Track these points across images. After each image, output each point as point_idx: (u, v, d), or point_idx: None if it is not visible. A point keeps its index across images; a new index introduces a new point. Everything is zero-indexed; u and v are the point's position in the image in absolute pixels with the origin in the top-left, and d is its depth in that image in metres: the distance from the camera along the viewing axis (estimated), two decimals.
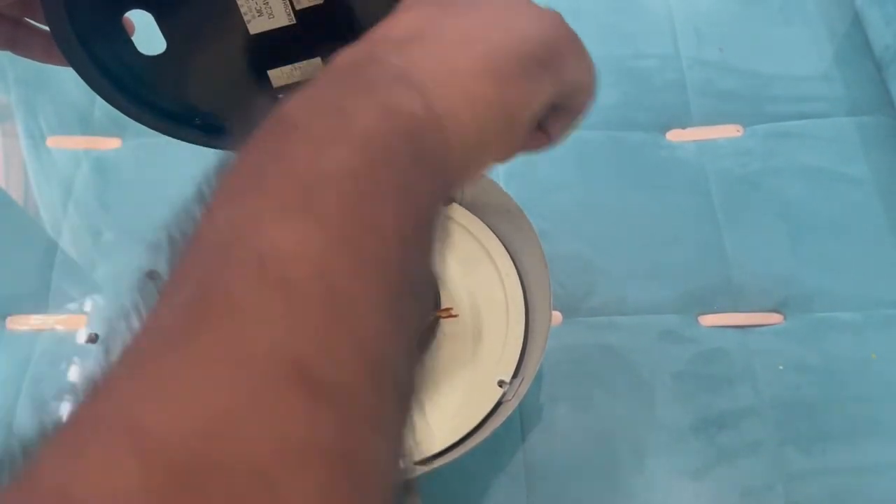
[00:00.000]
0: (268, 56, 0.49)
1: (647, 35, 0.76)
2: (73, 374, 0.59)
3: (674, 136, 0.70)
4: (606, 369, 0.58)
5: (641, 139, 0.70)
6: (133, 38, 0.46)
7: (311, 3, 0.47)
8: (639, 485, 0.53)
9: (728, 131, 0.70)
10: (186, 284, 0.20)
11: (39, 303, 0.62)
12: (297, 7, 0.47)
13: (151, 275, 0.67)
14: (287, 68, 0.50)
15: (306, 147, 0.22)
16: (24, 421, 0.57)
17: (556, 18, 0.30)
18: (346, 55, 0.28)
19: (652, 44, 0.76)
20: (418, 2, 0.29)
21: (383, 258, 0.20)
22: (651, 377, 0.58)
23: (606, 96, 0.72)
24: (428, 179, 0.23)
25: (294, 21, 0.47)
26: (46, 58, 0.45)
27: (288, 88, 0.51)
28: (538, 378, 0.57)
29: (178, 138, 0.52)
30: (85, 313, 0.62)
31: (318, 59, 0.50)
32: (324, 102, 0.24)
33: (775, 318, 0.61)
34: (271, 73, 0.50)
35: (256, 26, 0.47)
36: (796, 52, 0.75)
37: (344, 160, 0.21)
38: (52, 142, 0.70)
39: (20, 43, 0.45)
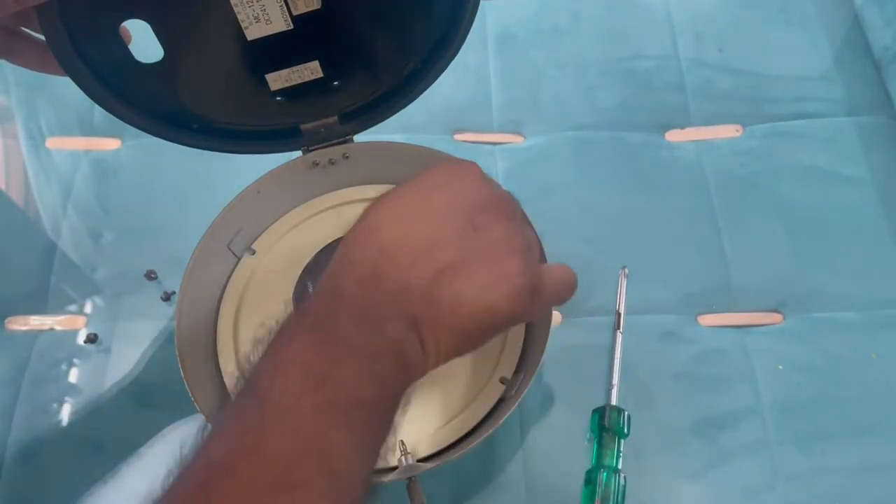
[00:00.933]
0: (265, 60, 0.49)
1: (647, 36, 0.76)
2: (73, 375, 0.59)
3: (673, 136, 0.70)
4: (606, 370, 0.58)
5: (641, 140, 0.70)
6: (130, 47, 0.46)
7: (309, 9, 0.47)
8: (638, 485, 0.53)
9: (727, 132, 0.70)
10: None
11: (38, 304, 0.62)
12: (295, 12, 0.47)
13: (150, 275, 0.67)
14: (285, 72, 0.50)
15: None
16: (23, 421, 0.57)
17: (526, 295, 0.37)
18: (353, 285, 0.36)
19: (651, 45, 0.76)
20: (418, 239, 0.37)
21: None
22: (650, 378, 0.58)
23: (606, 97, 0.73)
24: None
25: (291, 26, 0.47)
26: (41, 67, 0.45)
27: (285, 91, 0.52)
28: (538, 378, 0.57)
29: (177, 142, 0.52)
30: (84, 314, 0.62)
31: (315, 62, 0.50)
32: (343, 336, 0.34)
33: (774, 318, 0.61)
34: (269, 76, 0.50)
35: (254, 32, 0.47)
36: (795, 52, 0.75)
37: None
38: (52, 143, 0.70)
39: (16, 52, 0.45)
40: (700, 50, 0.75)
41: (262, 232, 0.59)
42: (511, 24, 0.77)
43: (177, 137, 0.51)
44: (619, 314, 0.59)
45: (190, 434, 0.55)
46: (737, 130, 0.70)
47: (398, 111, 0.56)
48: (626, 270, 0.61)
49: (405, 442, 0.49)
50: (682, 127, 0.70)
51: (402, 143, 0.58)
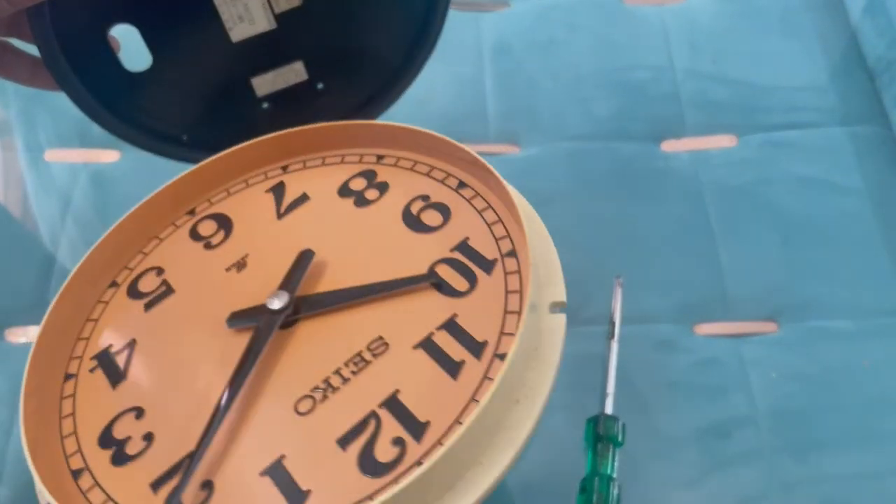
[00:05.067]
0: (250, 64, 0.50)
1: (642, 47, 0.77)
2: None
3: (668, 146, 0.71)
4: (601, 379, 0.58)
5: (636, 149, 0.70)
6: (120, 58, 0.46)
7: (290, 6, 0.47)
8: (633, 494, 0.53)
9: (722, 141, 0.71)
10: None
11: (37, 316, 0.62)
12: (277, 11, 0.47)
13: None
14: (269, 75, 0.51)
15: None
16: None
17: None
18: None
19: (647, 56, 0.76)
20: None
21: None
22: (646, 386, 0.58)
23: (601, 108, 0.73)
24: None
25: (274, 25, 0.48)
26: (31, 82, 0.46)
27: (272, 98, 0.52)
28: None
29: (168, 157, 0.52)
30: None
31: (299, 63, 0.51)
32: None
33: (769, 326, 0.61)
34: (254, 81, 0.51)
35: (238, 34, 0.48)
36: (790, 63, 0.75)
37: None
38: (51, 155, 0.71)
39: (6, 66, 0.45)
40: (695, 61, 0.75)
41: None
42: (507, 36, 0.78)
43: (167, 151, 0.52)
44: (613, 323, 0.59)
45: None
46: (731, 140, 0.71)
47: (381, 114, 0.56)
48: (621, 280, 0.61)
49: None
50: (678, 137, 0.71)
51: None
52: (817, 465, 0.55)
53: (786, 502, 0.54)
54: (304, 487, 0.38)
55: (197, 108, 0.52)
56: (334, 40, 0.52)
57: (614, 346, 0.58)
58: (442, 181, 0.51)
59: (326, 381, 0.42)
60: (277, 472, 0.39)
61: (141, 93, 0.49)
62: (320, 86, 0.53)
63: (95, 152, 0.71)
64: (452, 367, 0.41)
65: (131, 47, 0.46)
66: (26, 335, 0.62)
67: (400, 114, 0.71)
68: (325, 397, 0.41)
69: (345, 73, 0.54)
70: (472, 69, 0.75)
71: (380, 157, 0.52)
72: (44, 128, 0.72)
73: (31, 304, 0.63)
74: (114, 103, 0.48)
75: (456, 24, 0.79)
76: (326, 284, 0.46)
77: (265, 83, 0.51)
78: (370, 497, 0.37)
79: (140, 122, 0.50)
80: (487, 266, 0.46)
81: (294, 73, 0.52)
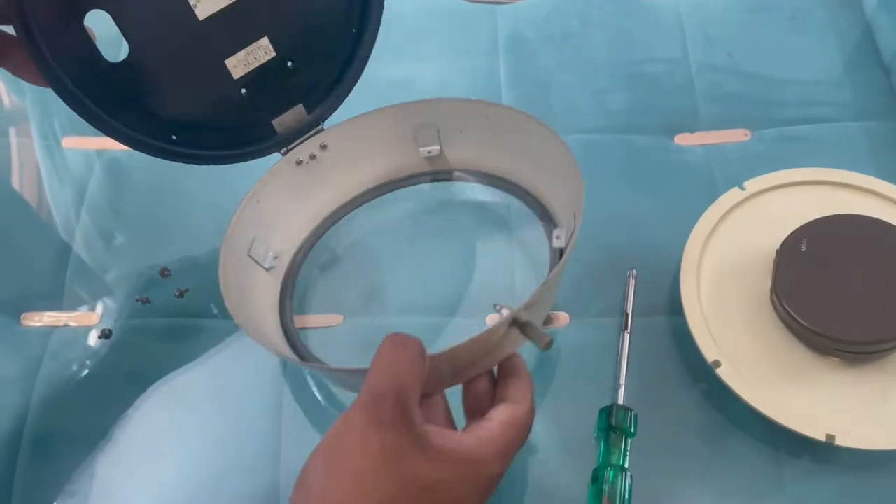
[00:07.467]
0: (221, 44, 0.52)
1: (657, 40, 0.77)
2: (86, 371, 0.60)
3: (682, 139, 0.70)
4: (614, 370, 0.58)
5: (649, 142, 0.70)
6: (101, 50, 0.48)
7: None
8: (645, 485, 0.54)
9: (736, 135, 0.70)
10: None
11: (54, 303, 0.63)
12: None
13: (164, 272, 0.68)
14: (241, 54, 0.53)
15: None
16: (37, 417, 0.58)
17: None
18: None
19: (661, 49, 0.76)
20: None
21: None
22: (659, 378, 0.58)
23: (615, 101, 0.73)
24: None
25: None
26: (17, 71, 0.45)
27: (249, 82, 0.54)
28: (548, 378, 0.57)
29: (159, 156, 0.54)
30: (98, 312, 0.62)
31: (265, 39, 0.53)
32: None
33: None
34: (229, 62, 0.52)
35: (203, 10, 0.49)
36: (805, 57, 0.75)
37: None
38: (66, 143, 0.71)
39: None
40: (710, 54, 0.75)
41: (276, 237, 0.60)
42: (522, 28, 0.78)
43: (157, 150, 0.53)
44: (626, 315, 0.59)
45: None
46: (745, 134, 0.70)
47: (354, 85, 0.59)
48: (635, 272, 0.61)
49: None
50: (692, 130, 0.71)
51: (367, 113, 0.61)
52: (828, 457, 0.55)
53: (797, 495, 0.54)
54: None
55: (179, 98, 0.53)
56: (293, 11, 0.53)
57: (627, 337, 0.58)
58: None
59: None
60: None
61: (124, 85, 0.50)
62: (290, 64, 0.55)
63: (110, 140, 0.71)
64: None
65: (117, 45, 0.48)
66: (42, 320, 0.62)
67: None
68: None
69: (309, 46, 0.56)
70: (487, 61, 0.75)
71: None
72: (58, 116, 0.73)
73: (46, 290, 0.64)
74: (99, 97, 0.49)
75: (472, 16, 0.79)
76: None
77: (239, 64, 0.53)
78: None
79: (129, 121, 0.51)
80: None
81: (263, 50, 0.54)
